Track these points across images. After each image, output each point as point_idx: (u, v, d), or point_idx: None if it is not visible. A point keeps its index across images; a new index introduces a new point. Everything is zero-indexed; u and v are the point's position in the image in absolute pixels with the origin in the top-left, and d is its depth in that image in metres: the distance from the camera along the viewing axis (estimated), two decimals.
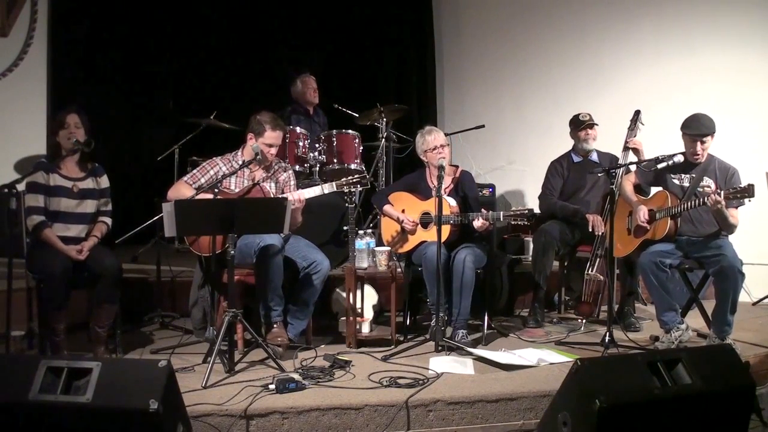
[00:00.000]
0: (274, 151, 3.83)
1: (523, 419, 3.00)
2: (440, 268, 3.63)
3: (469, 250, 3.85)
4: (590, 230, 4.24)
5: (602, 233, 4.17)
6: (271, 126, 3.76)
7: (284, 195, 3.76)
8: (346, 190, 3.80)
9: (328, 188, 3.80)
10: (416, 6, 6.82)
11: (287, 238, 3.81)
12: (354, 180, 3.80)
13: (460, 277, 3.78)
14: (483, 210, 3.82)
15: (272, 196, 3.80)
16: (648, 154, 4.23)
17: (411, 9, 6.90)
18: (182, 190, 3.72)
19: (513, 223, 3.79)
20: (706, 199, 3.58)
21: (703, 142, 3.79)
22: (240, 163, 3.81)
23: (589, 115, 4.52)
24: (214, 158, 3.91)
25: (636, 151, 4.33)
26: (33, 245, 3.63)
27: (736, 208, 3.73)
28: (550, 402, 2.67)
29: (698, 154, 3.81)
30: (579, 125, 4.51)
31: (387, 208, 4.15)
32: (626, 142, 4.37)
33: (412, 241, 4.06)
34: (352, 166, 5.15)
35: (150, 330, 4.25)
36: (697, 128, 3.79)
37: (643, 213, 3.90)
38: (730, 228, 3.72)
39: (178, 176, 5.24)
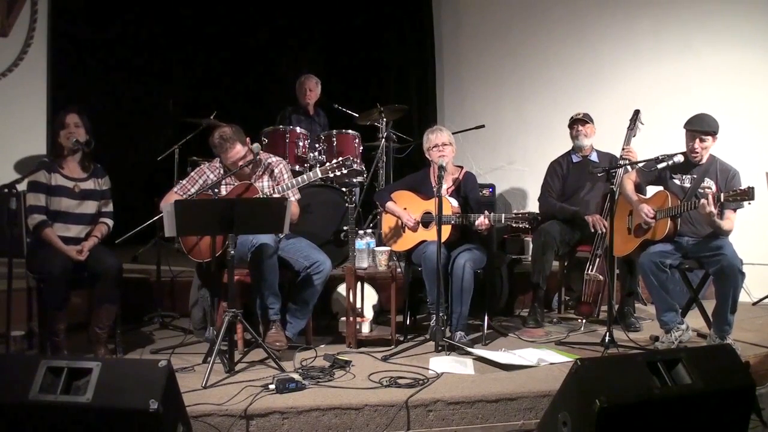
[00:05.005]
0: (243, 160, 3.75)
1: (523, 419, 3.00)
2: (440, 268, 3.63)
3: (469, 254, 3.84)
4: (592, 230, 4.24)
5: (603, 232, 4.17)
6: (219, 150, 3.74)
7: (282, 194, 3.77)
8: (331, 175, 3.82)
9: (313, 175, 3.80)
10: (416, 6, 6.82)
11: (289, 237, 3.82)
12: (338, 164, 3.79)
13: (459, 283, 3.77)
14: (486, 212, 3.80)
15: (267, 192, 3.80)
16: (647, 154, 4.22)
17: (411, 9, 6.90)
18: (173, 200, 3.71)
19: (514, 225, 3.79)
20: (698, 205, 3.58)
21: (702, 140, 3.78)
22: (224, 170, 3.83)
23: (584, 113, 4.52)
24: (201, 166, 3.96)
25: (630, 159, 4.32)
26: (33, 245, 3.64)
27: (734, 210, 3.73)
28: (550, 402, 2.67)
29: (697, 152, 3.80)
30: (570, 122, 4.53)
31: (389, 204, 4.14)
32: (622, 150, 4.38)
33: (412, 240, 4.05)
34: (353, 167, 5.14)
35: (150, 330, 4.25)
36: (698, 125, 3.78)
37: (647, 209, 3.90)
38: (725, 233, 3.72)
39: (178, 176, 5.25)
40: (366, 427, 2.88)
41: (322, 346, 3.86)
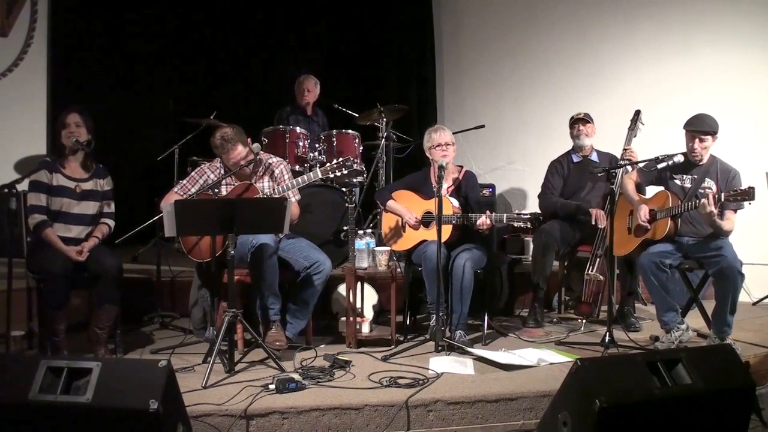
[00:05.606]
0: (244, 160, 3.76)
1: (523, 419, 3.00)
2: (440, 268, 3.62)
3: (469, 254, 3.84)
4: (593, 223, 4.24)
5: (603, 228, 4.16)
6: (220, 151, 3.75)
7: (282, 194, 3.77)
8: (331, 175, 3.83)
9: (314, 175, 3.81)
10: (416, 6, 6.82)
11: (289, 237, 3.82)
12: (338, 164, 3.79)
13: (459, 282, 3.77)
14: (487, 212, 3.80)
15: (267, 193, 3.81)
16: (648, 154, 4.22)
17: (411, 9, 6.90)
18: (173, 200, 3.71)
19: (516, 225, 3.78)
20: (698, 205, 3.58)
21: (702, 140, 3.78)
22: (224, 170, 3.83)
23: (584, 113, 4.52)
24: (201, 166, 3.96)
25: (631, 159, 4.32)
26: (33, 245, 3.64)
27: (735, 211, 3.73)
28: (550, 402, 2.67)
29: (696, 153, 3.80)
30: (572, 121, 4.53)
31: (391, 202, 4.13)
32: (623, 150, 4.38)
33: (412, 240, 4.05)
34: (353, 167, 5.14)
35: (150, 330, 4.25)
36: (698, 125, 3.78)
37: (644, 212, 3.90)
38: (725, 234, 3.72)
39: (178, 176, 5.25)
40: (366, 427, 2.88)
41: (322, 346, 3.86)
